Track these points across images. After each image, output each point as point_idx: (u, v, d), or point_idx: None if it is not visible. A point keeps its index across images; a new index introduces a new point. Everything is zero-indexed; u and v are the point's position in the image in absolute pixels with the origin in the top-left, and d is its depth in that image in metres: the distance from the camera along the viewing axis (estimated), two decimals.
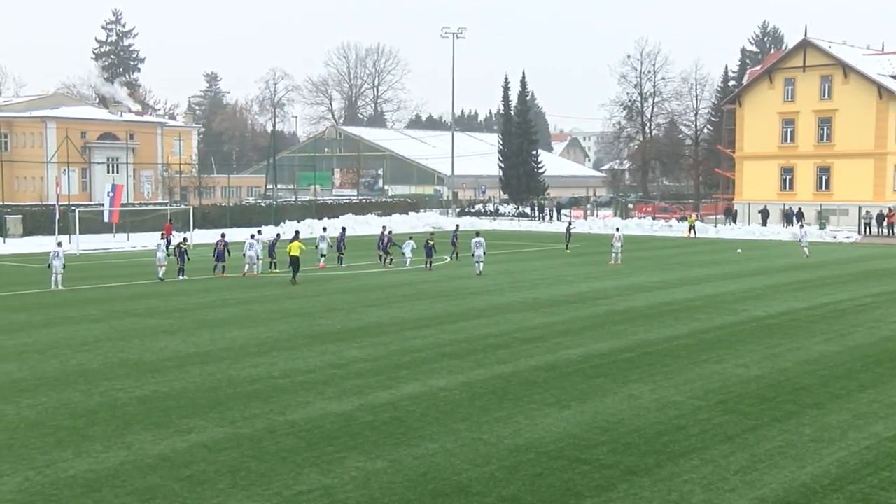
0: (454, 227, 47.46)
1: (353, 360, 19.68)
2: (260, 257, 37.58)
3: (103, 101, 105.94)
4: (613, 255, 42.41)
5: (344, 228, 43.55)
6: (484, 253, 37.46)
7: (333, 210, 77.67)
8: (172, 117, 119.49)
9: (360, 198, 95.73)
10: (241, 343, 21.76)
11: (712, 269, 39.60)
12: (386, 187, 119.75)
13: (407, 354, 20.28)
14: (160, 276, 35.22)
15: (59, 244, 34.79)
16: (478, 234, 39.48)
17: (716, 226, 68.50)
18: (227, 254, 36.85)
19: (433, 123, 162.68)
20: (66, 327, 24.25)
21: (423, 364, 19.20)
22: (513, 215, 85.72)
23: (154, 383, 17.53)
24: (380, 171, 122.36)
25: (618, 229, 45.60)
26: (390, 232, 43.12)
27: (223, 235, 38.19)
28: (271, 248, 38.70)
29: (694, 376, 18.03)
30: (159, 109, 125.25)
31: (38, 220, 59.76)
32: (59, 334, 23.12)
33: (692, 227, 63.96)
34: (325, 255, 40.19)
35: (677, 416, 15.05)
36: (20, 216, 60.15)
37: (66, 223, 53.07)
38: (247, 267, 36.80)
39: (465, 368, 18.76)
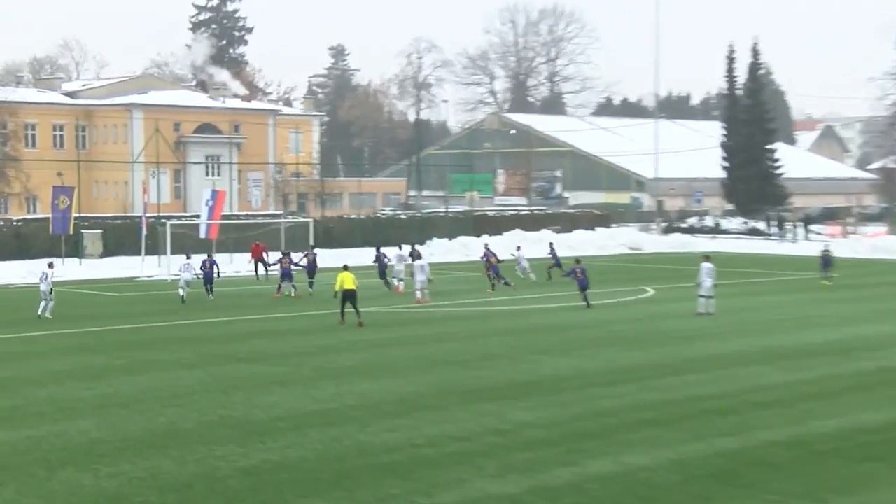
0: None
1: (521, 424, 19.75)
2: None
3: (202, 85, 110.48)
4: None
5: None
6: (715, 285, 36.80)
7: (497, 224, 78.03)
8: (288, 103, 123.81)
9: (531, 208, 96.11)
10: (374, 399, 22.18)
11: None
12: (565, 194, 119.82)
13: (594, 419, 20.23)
14: (182, 297, 40.18)
15: (51, 265, 37.74)
16: (707, 258, 38.76)
17: None
18: (216, 276, 41.63)
19: (629, 109, 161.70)
20: (154, 374, 25.41)
21: (617, 433, 19.11)
22: (740, 233, 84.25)
23: (263, 450, 18.09)
24: (557, 174, 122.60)
25: None
26: (486, 246, 48.88)
27: (209, 256, 43.16)
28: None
29: None
30: (271, 93, 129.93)
31: (122, 237, 62.42)
32: (144, 383, 24.26)
33: None
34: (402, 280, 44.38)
35: None
36: (100, 231, 62.66)
37: (155, 240, 55.41)
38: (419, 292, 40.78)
39: (674, 441, 18.54)
